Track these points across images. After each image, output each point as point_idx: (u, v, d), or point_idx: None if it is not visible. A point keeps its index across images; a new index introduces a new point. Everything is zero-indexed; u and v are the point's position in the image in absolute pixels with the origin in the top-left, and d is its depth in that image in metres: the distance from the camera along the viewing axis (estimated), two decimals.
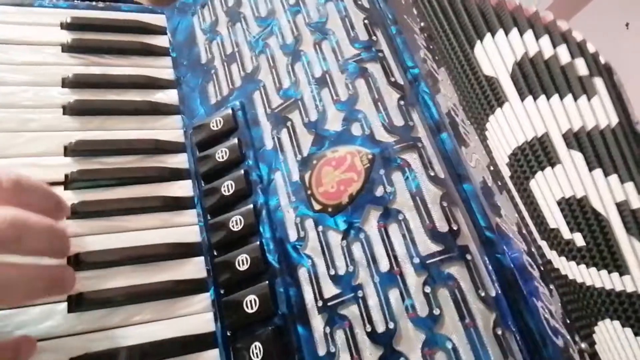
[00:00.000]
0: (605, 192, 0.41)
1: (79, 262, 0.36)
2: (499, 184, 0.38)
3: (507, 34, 0.47)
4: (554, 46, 0.47)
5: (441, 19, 0.48)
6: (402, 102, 0.35)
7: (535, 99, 0.44)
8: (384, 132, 0.34)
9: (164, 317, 0.36)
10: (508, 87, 0.44)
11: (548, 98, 0.44)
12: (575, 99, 0.45)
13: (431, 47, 0.43)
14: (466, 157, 0.35)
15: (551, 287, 0.35)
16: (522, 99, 0.44)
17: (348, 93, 0.36)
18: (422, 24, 0.44)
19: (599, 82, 0.47)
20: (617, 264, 0.38)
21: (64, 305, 0.35)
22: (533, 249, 0.36)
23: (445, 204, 0.31)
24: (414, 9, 0.45)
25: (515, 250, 0.32)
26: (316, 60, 0.39)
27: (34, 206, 0.31)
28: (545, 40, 0.48)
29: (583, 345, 0.32)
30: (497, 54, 0.46)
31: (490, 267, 0.30)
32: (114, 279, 0.37)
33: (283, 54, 0.41)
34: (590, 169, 0.41)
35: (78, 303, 0.35)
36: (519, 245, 0.34)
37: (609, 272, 0.38)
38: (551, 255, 0.38)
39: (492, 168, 0.39)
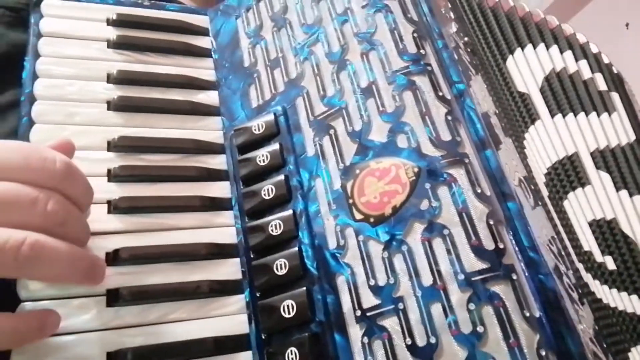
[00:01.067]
0: (632, 214, 0.41)
1: (117, 257, 0.37)
2: (539, 203, 0.38)
3: (535, 47, 0.47)
4: (576, 60, 0.48)
5: (478, 33, 0.48)
6: (449, 117, 0.35)
7: (564, 116, 0.44)
8: (430, 146, 0.34)
9: (199, 317, 0.37)
10: (539, 103, 0.45)
11: (575, 115, 0.45)
12: (599, 115, 0.45)
13: (474, 62, 0.43)
14: (509, 175, 0.35)
15: (588, 310, 0.35)
16: (552, 116, 0.44)
17: (395, 105, 0.37)
18: (466, 39, 0.44)
19: (616, 98, 0.47)
20: None
21: (103, 299, 0.35)
22: (571, 271, 0.36)
23: (491, 222, 0.31)
24: (455, 24, 0.45)
25: (555, 272, 0.32)
26: (363, 70, 0.39)
27: (76, 194, 0.33)
28: (568, 54, 0.48)
29: None
30: (527, 69, 0.46)
31: (534, 288, 0.30)
32: (152, 275, 0.37)
33: (328, 62, 0.41)
34: (617, 190, 0.42)
35: (116, 297, 0.35)
36: (559, 267, 0.34)
37: (639, 296, 0.38)
38: (587, 278, 0.38)
39: (532, 187, 0.39)
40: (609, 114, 0.45)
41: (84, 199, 0.34)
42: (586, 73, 0.47)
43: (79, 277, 0.32)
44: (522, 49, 0.47)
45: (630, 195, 0.41)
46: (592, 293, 0.37)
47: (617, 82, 0.49)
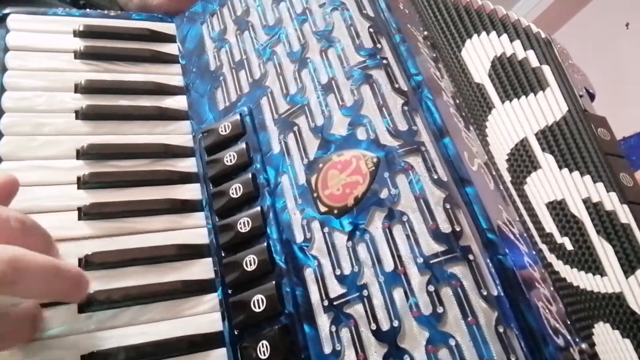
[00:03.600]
0: (575, 193, 0.42)
1: (89, 262, 0.37)
2: (501, 188, 0.39)
3: (479, 36, 0.48)
4: (511, 42, 0.49)
5: (436, 27, 0.49)
6: (405, 108, 0.36)
7: (510, 101, 0.45)
8: (388, 137, 0.35)
9: (173, 317, 0.37)
10: (492, 92, 0.46)
11: (518, 99, 0.46)
12: (535, 95, 0.46)
13: (435, 55, 0.44)
14: (468, 161, 0.36)
15: (552, 288, 0.36)
16: (502, 103, 0.45)
17: (353, 99, 0.37)
18: (426, 33, 0.45)
19: (547, 71, 0.48)
20: (596, 266, 0.39)
21: (75, 306, 0.36)
22: (534, 252, 0.37)
23: (448, 206, 0.32)
24: (417, 18, 0.46)
25: (516, 252, 0.33)
26: (322, 67, 0.40)
27: (35, 246, 0.31)
28: (505, 38, 0.49)
29: (583, 345, 0.33)
30: (477, 59, 0.47)
31: (492, 268, 0.31)
32: (124, 279, 0.37)
33: (290, 61, 0.42)
34: (560, 169, 0.42)
35: (88, 303, 0.36)
36: (520, 248, 0.35)
37: (593, 274, 0.39)
38: (551, 258, 0.39)
39: (494, 173, 0.39)
40: (544, 91, 0.46)
41: (44, 246, 0.33)
42: (520, 53, 0.48)
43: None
44: (471, 39, 0.48)
45: (570, 172, 0.42)
46: (557, 272, 0.38)
47: (546, 50, 0.50)
